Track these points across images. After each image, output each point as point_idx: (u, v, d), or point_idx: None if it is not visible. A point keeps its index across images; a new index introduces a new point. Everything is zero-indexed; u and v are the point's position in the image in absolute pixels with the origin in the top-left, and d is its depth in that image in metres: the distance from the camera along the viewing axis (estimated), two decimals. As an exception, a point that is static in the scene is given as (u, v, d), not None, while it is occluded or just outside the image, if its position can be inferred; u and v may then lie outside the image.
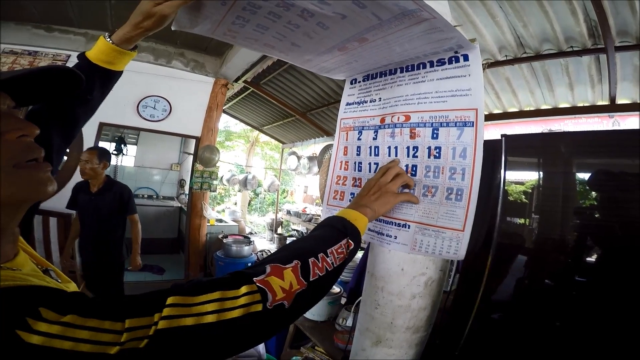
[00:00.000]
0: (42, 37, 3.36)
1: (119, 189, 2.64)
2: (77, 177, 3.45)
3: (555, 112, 2.81)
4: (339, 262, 0.55)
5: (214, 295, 0.41)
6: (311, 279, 0.49)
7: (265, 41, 0.69)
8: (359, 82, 0.91)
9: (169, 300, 0.38)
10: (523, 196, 0.94)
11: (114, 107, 3.52)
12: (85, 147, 3.45)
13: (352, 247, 0.58)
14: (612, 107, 2.52)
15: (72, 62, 3.41)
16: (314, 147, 4.66)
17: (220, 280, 0.43)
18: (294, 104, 4.62)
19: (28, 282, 0.37)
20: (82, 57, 0.65)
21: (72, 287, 0.52)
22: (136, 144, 6.18)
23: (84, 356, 0.31)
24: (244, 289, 0.42)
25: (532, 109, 2.95)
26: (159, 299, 0.38)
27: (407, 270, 0.80)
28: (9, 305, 0.31)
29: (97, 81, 0.65)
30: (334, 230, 0.59)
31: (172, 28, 0.63)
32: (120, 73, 0.69)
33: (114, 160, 5.90)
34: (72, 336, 0.31)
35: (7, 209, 0.41)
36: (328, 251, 0.53)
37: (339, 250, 0.55)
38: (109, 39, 0.63)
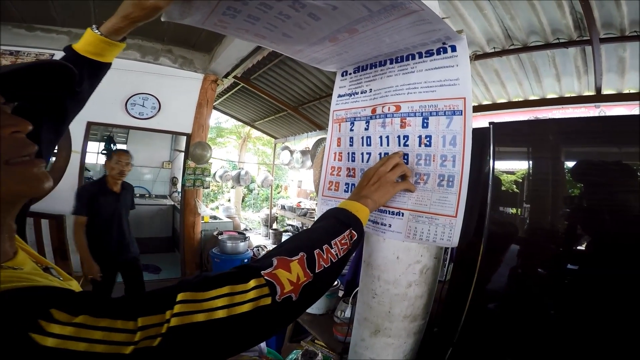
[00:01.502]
0: (24, 37, 3.26)
1: (130, 185, 2.76)
2: (68, 179, 3.42)
3: (543, 102, 2.86)
4: (343, 254, 0.55)
5: (223, 290, 0.41)
6: (317, 271, 0.49)
7: (256, 32, 0.69)
8: (350, 74, 0.92)
9: (180, 297, 0.38)
10: (514, 186, 0.96)
11: (101, 106, 3.45)
12: (73, 147, 3.44)
13: (355, 237, 0.59)
14: (598, 98, 2.57)
15: (57, 60, 3.33)
16: (307, 141, 4.65)
17: (228, 275, 0.43)
18: (285, 99, 4.60)
19: (34, 283, 0.37)
20: (68, 49, 0.64)
21: (74, 285, 0.52)
22: (126, 143, 6.07)
23: (99, 357, 0.31)
24: (252, 283, 0.42)
25: (520, 99, 3.00)
26: (169, 296, 0.38)
27: (403, 259, 0.82)
28: (20, 307, 0.31)
29: (86, 73, 0.64)
30: (336, 222, 0.60)
31: (162, 19, 0.62)
32: (109, 65, 0.68)
33: (103, 159, 5.81)
34: (86, 337, 0.31)
35: (3, 205, 0.41)
36: (332, 242, 0.54)
37: (342, 242, 0.56)
38: (96, 31, 0.62)
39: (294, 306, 0.45)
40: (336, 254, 0.54)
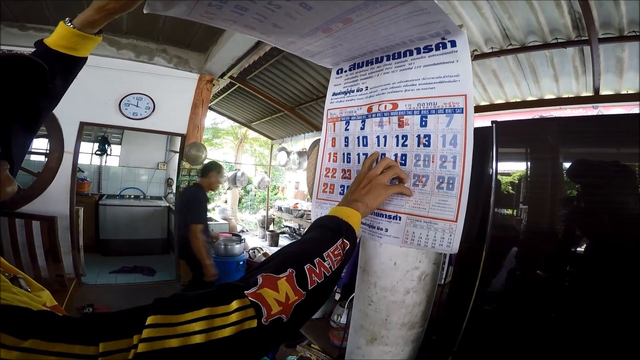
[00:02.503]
0: (16, 36, 3.20)
1: None
2: (60, 180, 3.36)
3: (541, 103, 2.84)
4: (337, 265, 0.51)
5: (202, 312, 0.37)
6: (310, 288, 0.45)
7: (245, 22, 0.65)
8: (345, 71, 0.88)
9: (149, 320, 0.34)
10: (510, 187, 0.92)
11: (94, 106, 3.40)
12: (65, 148, 3.39)
13: (348, 247, 0.55)
14: (596, 98, 2.56)
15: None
16: (304, 142, 4.63)
17: (207, 295, 0.39)
18: (282, 99, 4.56)
19: None
20: (39, 44, 0.60)
21: (45, 295, 0.48)
22: (120, 144, 6.02)
23: None
24: (235, 304, 0.39)
25: (518, 100, 2.98)
26: (138, 318, 0.35)
27: (400, 265, 0.78)
28: None
29: (59, 69, 0.60)
30: (327, 231, 0.56)
31: (144, 11, 0.58)
32: (84, 59, 0.64)
33: (97, 160, 5.75)
34: None
35: None
36: (324, 255, 0.50)
37: (335, 253, 0.52)
38: (69, 24, 0.59)
39: (284, 327, 0.41)
40: (330, 267, 0.49)
